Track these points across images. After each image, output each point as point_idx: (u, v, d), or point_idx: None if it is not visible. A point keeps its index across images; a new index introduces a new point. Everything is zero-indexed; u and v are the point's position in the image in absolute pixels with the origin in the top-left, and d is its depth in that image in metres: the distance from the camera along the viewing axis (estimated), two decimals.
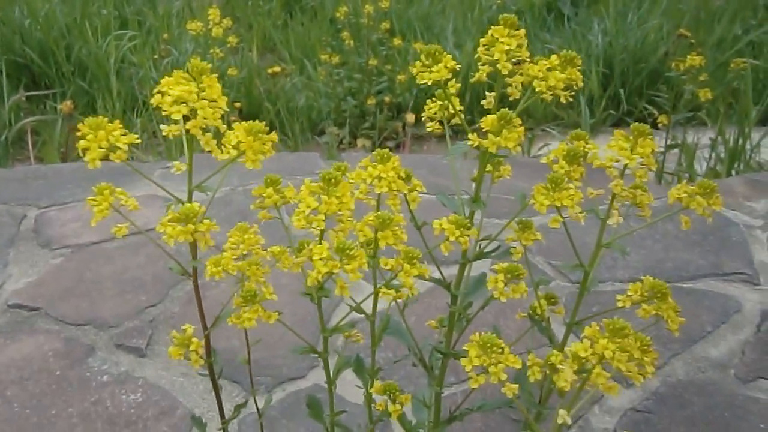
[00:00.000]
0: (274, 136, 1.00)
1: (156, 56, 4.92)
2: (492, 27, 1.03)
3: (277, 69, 4.67)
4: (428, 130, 1.16)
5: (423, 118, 1.17)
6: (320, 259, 0.96)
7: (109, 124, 0.96)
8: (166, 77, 0.96)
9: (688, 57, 3.62)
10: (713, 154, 3.79)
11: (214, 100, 0.97)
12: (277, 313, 1.07)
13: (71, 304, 2.21)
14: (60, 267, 2.41)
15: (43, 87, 4.83)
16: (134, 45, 5.16)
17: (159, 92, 0.96)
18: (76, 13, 5.27)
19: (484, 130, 1.00)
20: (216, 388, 1.27)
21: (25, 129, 4.18)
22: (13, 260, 2.45)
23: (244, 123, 0.99)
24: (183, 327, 1.15)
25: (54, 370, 1.96)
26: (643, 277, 1.06)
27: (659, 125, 3.79)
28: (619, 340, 0.86)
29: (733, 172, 3.70)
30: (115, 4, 5.78)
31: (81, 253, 2.47)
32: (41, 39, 4.90)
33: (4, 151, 4.03)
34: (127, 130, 0.97)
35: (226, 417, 1.32)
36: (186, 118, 0.96)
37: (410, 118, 4.40)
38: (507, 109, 1.01)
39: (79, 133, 0.94)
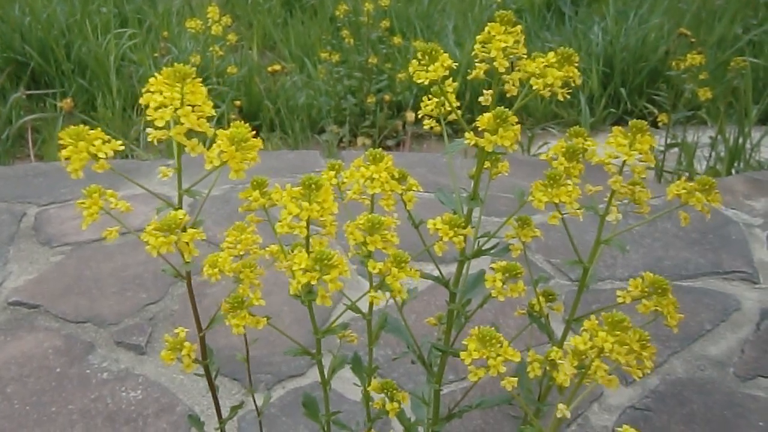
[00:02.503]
0: (259, 142, 0.98)
1: (156, 54, 4.91)
2: (489, 24, 1.02)
3: (277, 67, 4.67)
4: (425, 127, 1.16)
5: (419, 115, 1.17)
6: (300, 269, 0.95)
7: (90, 133, 0.94)
8: (155, 77, 0.95)
9: (689, 56, 3.62)
10: (713, 153, 3.79)
11: (198, 105, 0.96)
12: (266, 319, 1.07)
13: (71, 302, 2.22)
14: (60, 264, 2.41)
15: (44, 85, 4.83)
16: (134, 43, 5.16)
17: (148, 91, 0.95)
18: (77, 11, 5.27)
19: (480, 129, 1.00)
20: (213, 389, 1.26)
21: (26, 127, 4.18)
22: (13, 258, 2.45)
23: (229, 128, 0.97)
24: (175, 330, 1.15)
25: (54, 367, 1.96)
26: (643, 274, 1.06)
27: (659, 124, 3.79)
28: (618, 333, 0.86)
29: (733, 171, 3.70)
30: (115, 3, 5.77)
31: (81, 251, 2.48)
32: (41, 37, 4.89)
33: (4, 149, 4.03)
34: (111, 136, 0.96)
35: (224, 416, 1.32)
36: (174, 121, 0.95)
37: (410, 116, 4.40)
38: (506, 106, 1.01)
39: (60, 142, 0.93)
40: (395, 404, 1.20)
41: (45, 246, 2.51)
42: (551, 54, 1.02)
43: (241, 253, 1.12)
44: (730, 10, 5.51)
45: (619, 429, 0.88)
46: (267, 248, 1.12)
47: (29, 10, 5.06)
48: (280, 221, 0.98)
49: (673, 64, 3.79)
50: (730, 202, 2.83)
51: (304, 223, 0.98)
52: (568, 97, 1.03)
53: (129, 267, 2.38)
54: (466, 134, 1.00)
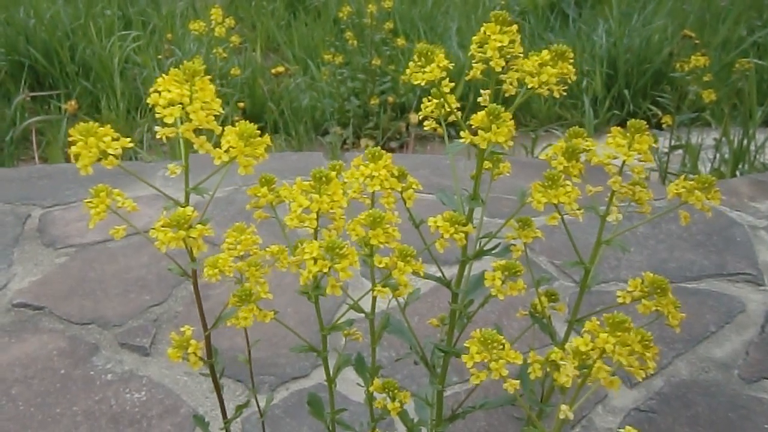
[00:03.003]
0: (267, 139, 0.99)
1: (160, 56, 4.92)
2: (484, 24, 1.03)
3: (280, 69, 4.67)
4: (425, 129, 1.16)
5: (420, 117, 1.17)
6: (311, 258, 0.96)
7: (101, 129, 0.95)
8: (162, 76, 0.96)
9: (693, 57, 3.61)
10: (717, 155, 3.78)
11: (207, 102, 0.97)
12: (273, 312, 1.07)
13: (75, 304, 2.22)
14: (64, 266, 2.41)
15: (48, 87, 4.83)
16: (138, 45, 5.17)
17: (156, 91, 0.95)
18: (81, 13, 5.28)
19: (474, 127, 1.00)
20: (218, 389, 1.27)
21: (30, 129, 4.19)
22: (17, 259, 2.46)
23: (235, 127, 0.98)
24: (182, 328, 1.15)
25: (58, 368, 1.97)
26: (643, 274, 1.06)
27: (663, 126, 3.78)
28: (620, 333, 0.86)
29: (738, 173, 3.69)
30: (119, 5, 5.78)
31: (85, 253, 2.48)
32: (46, 39, 4.90)
33: (8, 151, 4.04)
34: (119, 134, 0.97)
35: (229, 416, 1.32)
36: (183, 119, 0.96)
37: (413, 118, 4.39)
38: (506, 106, 1.01)
39: (70, 139, 0.94)
40: (397, 404, 1.20)
41: (49, 248, 2.52)
42: (545, 52, 1.02)
43: (242, 254, 1.12)
44: (735, 12, 5.50)
45: (622, 431, 0.88)
46: (268, 248, 1.12)
47: (34, 12, 5.07)
48: (289, 214, 0.98)
49: (677, 65, 3.78)
50: (734, 204, 2.83)
51: (314, 215, 0.99)
52: (565, 94, 1.03)
53: (132, 269, 2.39)
54: (462, 133, 1.01)
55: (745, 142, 3.71)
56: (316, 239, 1.02)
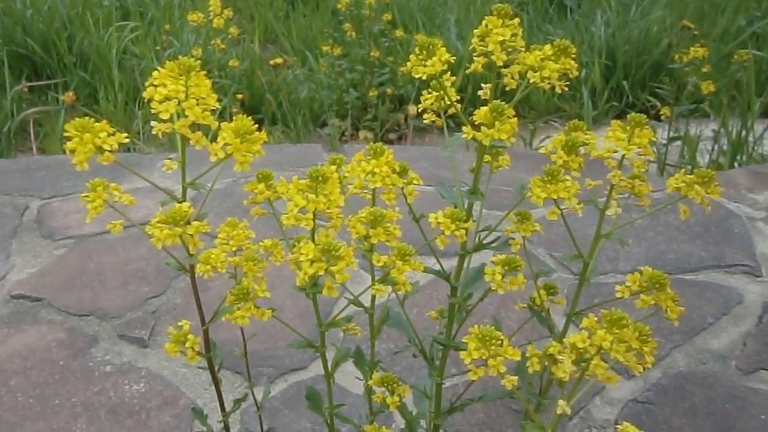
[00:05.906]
0: (263, 135, 0.98)
1: (158, 47, 4.90)
2: (485, 17, 1.02)
3: (279, 60, 4.66)
4: (426, 121, 1.15)
5: (419, 110, 1.17)
6: (307, 260, 0.95)
7: (96, 125, 0.94)
8: (158, 70, 0.95)
9: (692, 49, 3.61)
10: (716, 146, 3.78)
11: (203, 98, 0.96)
12: (270, 311, 1.06)
13: (74, 295, 2.22)
14: (63, 258, 2.41)
15: (45, 78, 4.82)
16: (136, 36, 5.15)
17: (152, 85, 0.95)
18: (78, 3, 5.26)
19: (477, 123, 1.00)
20: (216, 382, 1.27)
21: (28, 120, 4.18)
22: (16, 251, 2.46)
23: (232, 123, 0.97)
24: (179, 323, 1.15)
25: (57, 360, 1.97)
26: (641, 268, 1.06)
27: (662, 117, 3.78)
28: (617, 330, 0.86)
29: (736, 164, 3.69)
30: None
31: (83, 244, 2.48)
32: (43, 30, 4.89)
33: (6, 142, 4.03)
34: (116, 129, 0.96)
35: (228, 409, 1.32)
36: (179, 114, 0.95)
37: (412, 109, 4.39)
38: (506, 99, 1.01)
39: (66, 134, 0.94)
40: (396, 398, 1.20)
41: (48, 239, 2.52)
42: (548, 46, 1.02)
43: (234, 249, 1.11)
44: (734, 2, 5.49)
45: (620, 426, 0.88)
46: (262, 242, 1.12)
47: (31, 2, 5.05)
48: (286, 213, 0.98)
49: (676, 56, 3.77)
50: (732, 196, 2.83)
51: (310, 215, 0.98)
52: (567, 89, 1.03)
53: (131, 260, 2.39)
54: (464, 128, 1.00)
55: (744, 133, 3.71)
56: (313, 237, 1.01)
